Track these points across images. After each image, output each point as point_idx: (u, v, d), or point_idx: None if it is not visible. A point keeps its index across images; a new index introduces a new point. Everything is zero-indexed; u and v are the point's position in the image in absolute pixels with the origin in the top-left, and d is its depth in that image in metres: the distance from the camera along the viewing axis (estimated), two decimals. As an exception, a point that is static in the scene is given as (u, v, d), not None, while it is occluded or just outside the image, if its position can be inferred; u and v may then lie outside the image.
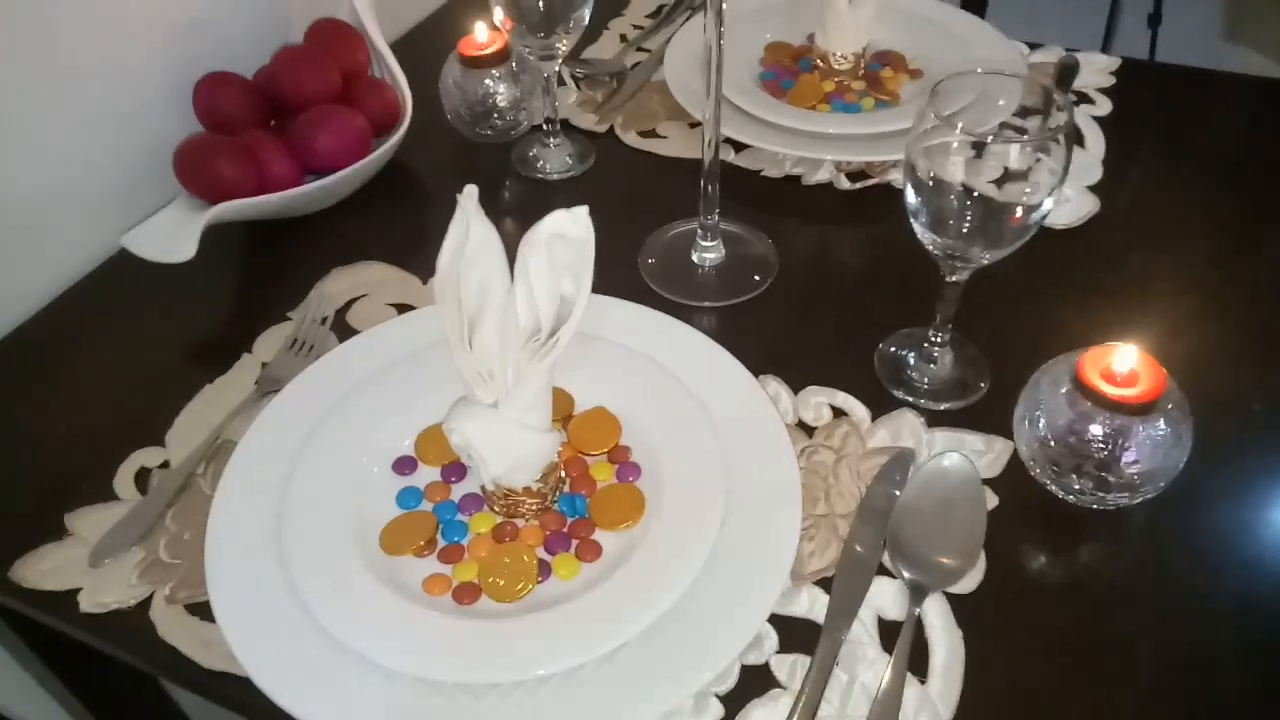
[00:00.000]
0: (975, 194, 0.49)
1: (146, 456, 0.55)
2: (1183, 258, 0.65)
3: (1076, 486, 0.48)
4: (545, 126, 0.76)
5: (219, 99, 0.69)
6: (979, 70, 0.51)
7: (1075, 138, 0.76)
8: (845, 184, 0.73)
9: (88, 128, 0.67)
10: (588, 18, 0.69)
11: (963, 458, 0.51)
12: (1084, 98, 0.81)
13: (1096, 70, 0.84)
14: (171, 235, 0.62)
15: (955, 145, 0.47)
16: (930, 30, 0.84)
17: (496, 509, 0.49)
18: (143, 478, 0.54)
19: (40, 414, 0.58)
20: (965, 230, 0.50)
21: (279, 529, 0.47)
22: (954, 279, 0.53)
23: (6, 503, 0.53)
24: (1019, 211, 0.48)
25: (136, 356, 0.62)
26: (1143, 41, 2.10)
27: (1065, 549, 0.49)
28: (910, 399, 0.57)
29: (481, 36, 0.74)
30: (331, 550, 0.46)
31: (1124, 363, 0.47)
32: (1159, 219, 0.69)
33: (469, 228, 0.41)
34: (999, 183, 0.48)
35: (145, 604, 0.48)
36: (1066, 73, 0.84)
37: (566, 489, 0.50)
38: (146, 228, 0.64)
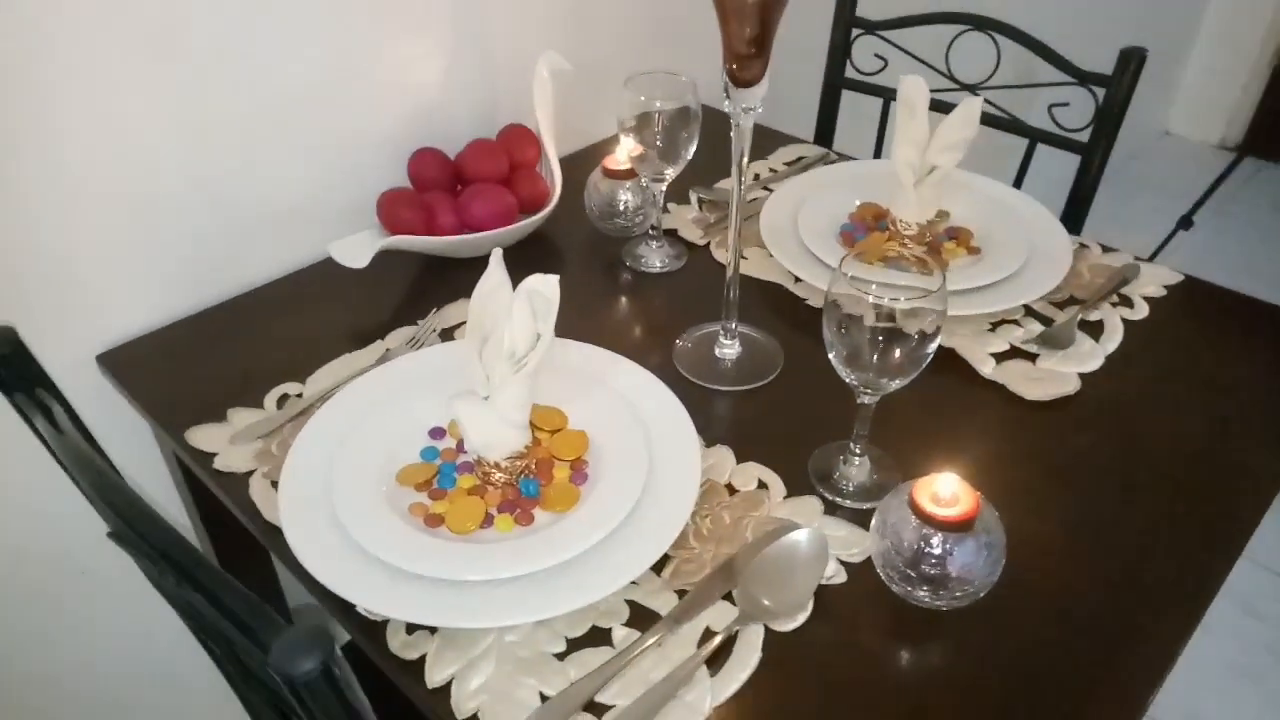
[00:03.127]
0: (880, 337, 0.63)
1: (289, 388, 0.80)
2: (1120, 449, 0.74)
3: (903, 583, 0.61)
4: (651, 231, 0.97)
5: (423, 167, 0.96)
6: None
7: (1094, 330, 0.86)
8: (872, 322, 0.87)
9: (335, 173, 0.97)
10: (691, 154, 0.90)
11: (817, 533, 0.64)
12: (1126, 300, 0.91)
13: (1154, 280, 0.93)
14: (357, 250, 0.89)
15: (869, 298, 0.63)
16: (1002, 213, 0.97)
17: (478, 475, 0.68)
18: (283, 401, 0.79)
19: (238, 348, 0.86)
20: (873, 362, 0.64)
21: (336, 453, 0.70)
22: (863, 400, 0.68)
23: (197, 395, 0.80)
24: (898, 352, 0.62)
25: (309, 324, 0.88)
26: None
27: (879, 628, 0.61)
28: (830, 495, 0.70)
29: (620, 156, 0.97)
30: (362, 471, 0.68)
31: (946, 488, 0.59)
32: (1122, 418, 0.77)
33: (491, 277, 0.63)
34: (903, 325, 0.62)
35: (249, 474, 0.72)
36: (1124, 280, 0.93)
37: (533, 475, 0.69)
38: (344, 242, 0.91)
